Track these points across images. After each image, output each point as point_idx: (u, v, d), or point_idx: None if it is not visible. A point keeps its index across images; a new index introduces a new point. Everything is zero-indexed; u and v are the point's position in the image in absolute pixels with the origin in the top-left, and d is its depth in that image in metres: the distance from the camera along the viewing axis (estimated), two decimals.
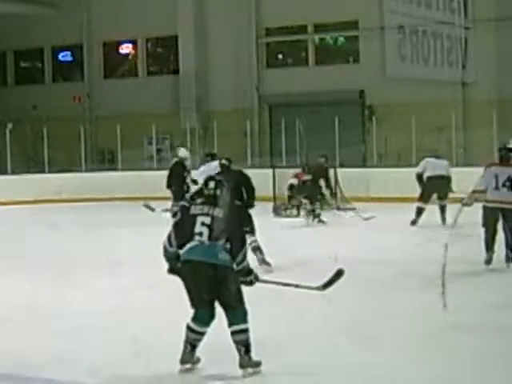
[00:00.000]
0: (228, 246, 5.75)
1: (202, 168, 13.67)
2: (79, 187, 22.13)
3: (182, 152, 15.55)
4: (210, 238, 5.73)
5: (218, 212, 5.80)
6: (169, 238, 5.90)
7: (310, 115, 23.81)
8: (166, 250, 5.92)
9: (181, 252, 5.82)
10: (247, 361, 5.70)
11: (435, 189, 14.53)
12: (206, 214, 5.79)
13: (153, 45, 28.54)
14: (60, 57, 29.66)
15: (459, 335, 6.66)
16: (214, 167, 12.66)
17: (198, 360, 5.89)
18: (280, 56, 27.20)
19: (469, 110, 23.18)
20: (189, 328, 5.81)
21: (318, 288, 6.25)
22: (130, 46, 28.43)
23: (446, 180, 14.63)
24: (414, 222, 14.52)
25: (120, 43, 28.42)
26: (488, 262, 9.74)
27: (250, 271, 5.91)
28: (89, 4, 28.02)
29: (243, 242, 5.88)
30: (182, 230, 5.84)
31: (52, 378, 5.84)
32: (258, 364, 5.75)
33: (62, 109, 27.04)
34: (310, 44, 25.95)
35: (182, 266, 5.80)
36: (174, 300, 8.29)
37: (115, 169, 24.34)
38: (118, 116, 25.43)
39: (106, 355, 6.25)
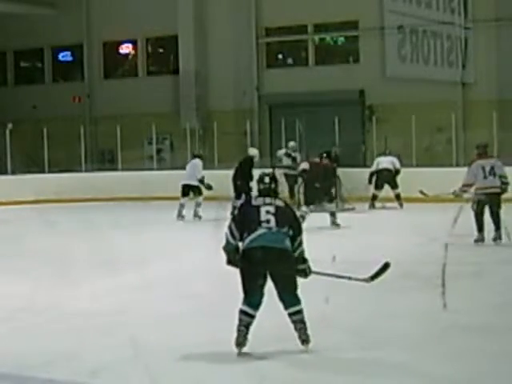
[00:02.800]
0: (290, 232, 6.19)
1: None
2: (79, 187, 22.10)
3: (252, 150, 17.87)
4: (277, 224, 6.16)
5: (279, 202, 6.30)
6: (231, 231, 6.21)
7: (310, 115, 23.79)
8: (228, 243, 6.23)
9: (246, 241, 6.13)
10: (308, 337, 6.11)
11: (384, 179, 17.89)
12: (269, 204, 6.25)
13: (153, 45, 28.48)
14: (60, 57, 29.60)
15: (459, 335, 6.66)
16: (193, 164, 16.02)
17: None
18: (280, 56, 27.15)
19: (469, 110, 23.16)
20: (244, 313, 6.08)
21: (365, 280, 6.58)
22: (130, 46, 28.37)
23: (390, 172, 17.98)
24: (372, 206, 17.85)
25: (120, 43, 28.36)
26: (481, 240, 11.30)
27: (305, 259, 6.27)
28: (89, 4, 27.99)
29: (300, 230, 6.29)
30: (246, 221, 6.17)
31: (52, 377, 5.84)
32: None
33: (62, 109, 27.03)
34: (310, 44, 25.90)
35: (253, 252, 6.08)
36: (173, 300, 8.35)
37: (115, 169, 24.27)
38: (118, 116, 25.40)
39: (105, 355, 6.24)
